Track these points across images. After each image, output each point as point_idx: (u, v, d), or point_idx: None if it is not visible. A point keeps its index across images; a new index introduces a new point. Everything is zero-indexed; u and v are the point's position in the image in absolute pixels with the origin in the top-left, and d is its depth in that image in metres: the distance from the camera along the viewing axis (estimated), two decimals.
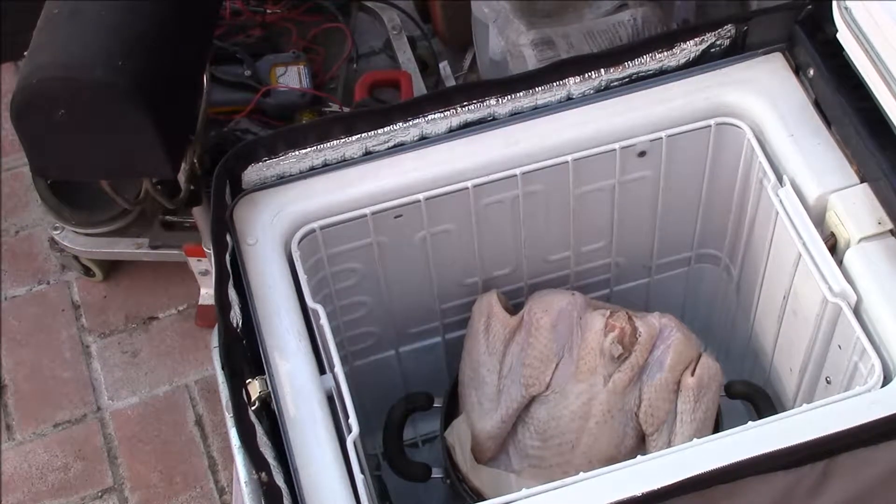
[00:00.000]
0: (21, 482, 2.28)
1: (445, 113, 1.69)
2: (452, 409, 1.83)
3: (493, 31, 2.38)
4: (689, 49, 1.72)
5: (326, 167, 1.68)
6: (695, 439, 1.47)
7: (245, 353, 1.51)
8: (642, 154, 1.73)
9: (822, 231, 1.61)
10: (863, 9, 1.57)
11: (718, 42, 1.72)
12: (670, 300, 1.97)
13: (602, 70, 1.71)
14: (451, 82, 2.60)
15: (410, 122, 1.68)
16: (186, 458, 2.29)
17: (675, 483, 1.35)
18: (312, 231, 1.65)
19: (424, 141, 1.69)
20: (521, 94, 1.70)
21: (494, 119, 1.70)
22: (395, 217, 1.69)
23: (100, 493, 2.26)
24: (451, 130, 1.70)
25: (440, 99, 1.70)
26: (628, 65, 1.71)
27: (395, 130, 1.68)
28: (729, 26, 1.72)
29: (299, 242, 1.63)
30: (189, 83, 1.69)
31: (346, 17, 2.51)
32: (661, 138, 1.71)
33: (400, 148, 1.69)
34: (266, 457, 1.42)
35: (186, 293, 2.48)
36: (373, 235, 1.70)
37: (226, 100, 2.30)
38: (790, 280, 1.68)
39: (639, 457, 1.44)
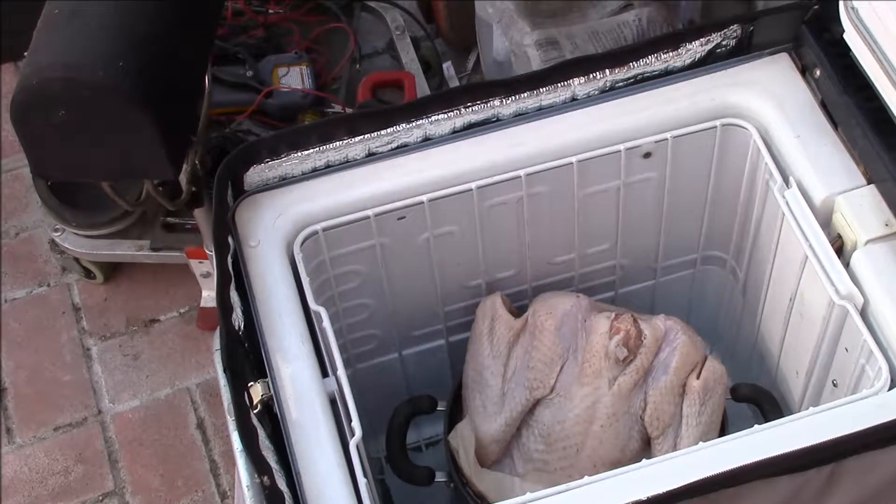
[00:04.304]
0: (21, 486, 2.27)
1: (449, 114, 1.68)
2: (456, 413, 1.83)
3: (497, 32, 2.37)
4: (695, 49, 1.71)
5: (329, 168, 1.67)
6: (700, 443, 1.46)
7: (247, 356, 1.51)
8: (647, 155, 1.72)
9: (829, 233, 1.60)
10: (870, 9, 1.56)
11: (724, 42, 1.71)
12: (676, 302, 1.97)
13: (607, 71, 1.70)
14: (454, 83, 2.59)
15: (414, 124, 1.67)
16: (188, 461, 2.28)
17: (681, 487, 1.35)
18: (315, 233, 1.64)
19: (428, 142, 1.69)
20: (526, 94, 1.69)
21: (498, 120, 1.70)
22: (399, 219, 1.69)
23: (101, 497, 2.25)
24: (454, 131, 1.69)
25: (444, 100, 1.69)
26: (633, 65, 1.71)
27: (399, 131, 1.67)
28: (735, 26, 1.71)
29: (302, 244, 1.62)
30: (190, 84, 1.69)
31: (349, 17, 2.50)
32: (667, 139, 1.70)
33: (403, 149, 1.68)
34: (268, 460, 1.41)
35: (188, 295, 2.47)
36: (376, 237, 1.69)
37: (227, 100, 2.30)
38: (796, 282, 1.67)
39: (644, 460, 1.43)
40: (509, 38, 2.32)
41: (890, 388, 1.46)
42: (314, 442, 1.45)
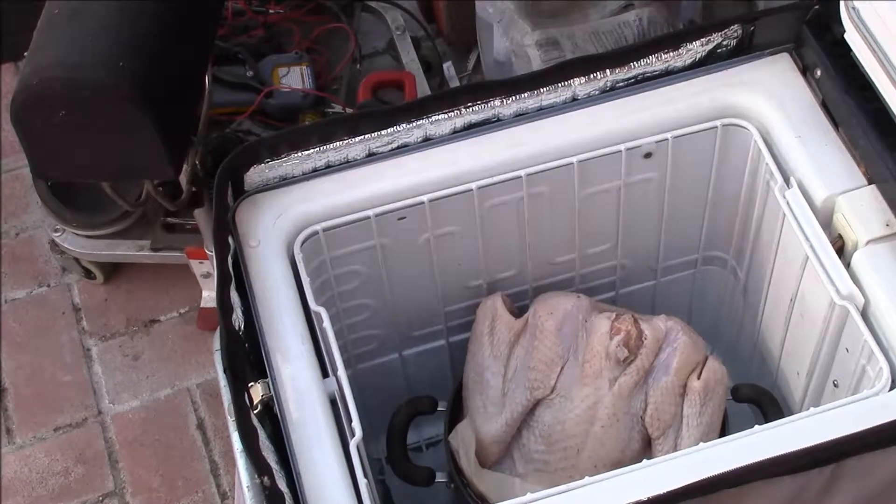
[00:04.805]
0: (21, 486, 2.27)
1: (449, 114, 1.68)
2: (456, 413, 1.82)
3: (498, 32, 2.37)
4: (696, 49, 1.71)
5: (329, 169, 1.67)
6: (701, 443, 1.46)
7: (247, 357, 1.51)
8: (648, 155, 1.72)
9: (830, 233, 1.60)
10: (871, 9, 1.56)
11: (725, 42, 1.71)
12: (677, 303, 1.96)
13: (607, 71, 1.70)
14: (455, 83, 2.59)
15: (414, 124, 1.67)
16: (188, 462, 2.28)
17: (681, 487, 1.34)
18: (315, 233, 1.64)
19: (428, 142, 1.69)
20: (526, 94, 1.69)
21: (499, 120, 1.69)
22: (399, 219, 1.68)
23: (101, 498, 2.25)
24: (455, 132, 1.69)
25: (444, 100, 1.69)
26: (634, 65, 1.70)
27: (399, 132, 1.67)
28: (735, 26, 1.71)
29: (302, 245, 1.62)
30: (191, 84, 1.69)
31: (350, 17, 2.50)
32: (667, 139, 1.70)
33: (403, 149, 1.68)
34: (268, 461, 1.41)
35: (188, 296, 2.47)
36: (376, 237, 1.69)
37: (228, 101, 2.30)
38: (797, 283, 1.67)
39: (644, 461, 1.43)
40: (510, 38, 2.32)
41: (891, 389, 1.46)
42: (314, 442, 1.45)
